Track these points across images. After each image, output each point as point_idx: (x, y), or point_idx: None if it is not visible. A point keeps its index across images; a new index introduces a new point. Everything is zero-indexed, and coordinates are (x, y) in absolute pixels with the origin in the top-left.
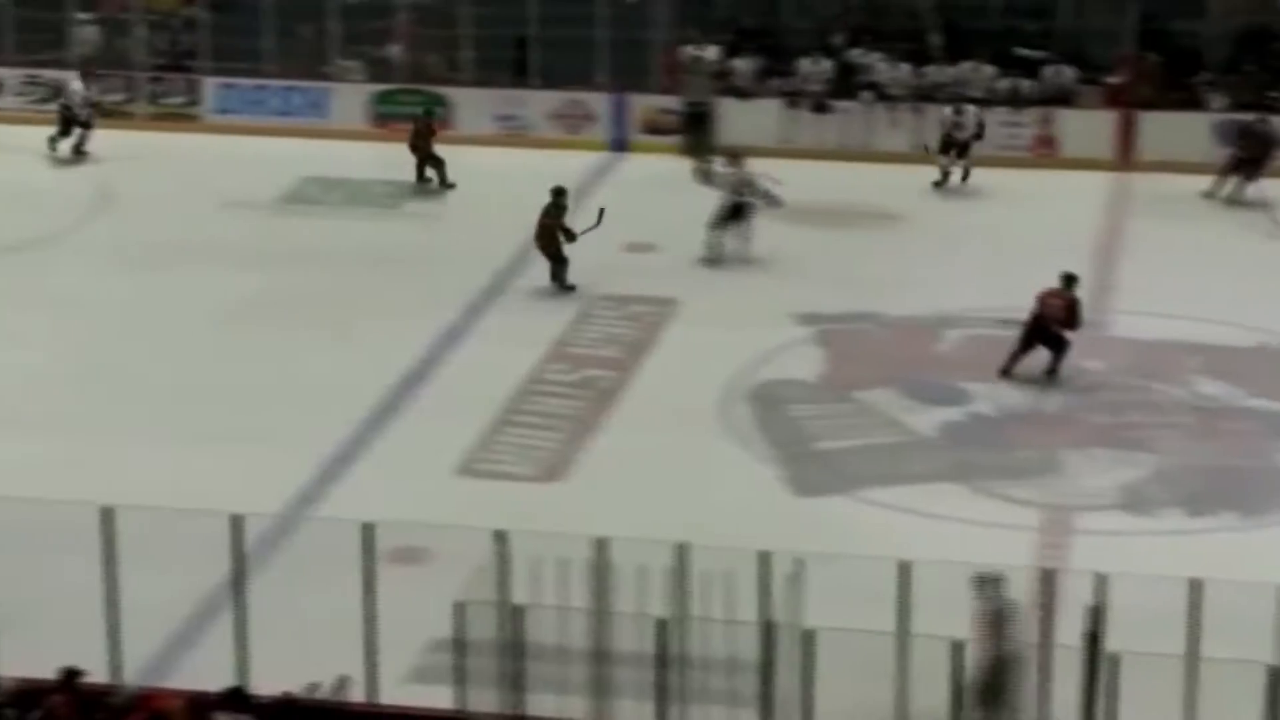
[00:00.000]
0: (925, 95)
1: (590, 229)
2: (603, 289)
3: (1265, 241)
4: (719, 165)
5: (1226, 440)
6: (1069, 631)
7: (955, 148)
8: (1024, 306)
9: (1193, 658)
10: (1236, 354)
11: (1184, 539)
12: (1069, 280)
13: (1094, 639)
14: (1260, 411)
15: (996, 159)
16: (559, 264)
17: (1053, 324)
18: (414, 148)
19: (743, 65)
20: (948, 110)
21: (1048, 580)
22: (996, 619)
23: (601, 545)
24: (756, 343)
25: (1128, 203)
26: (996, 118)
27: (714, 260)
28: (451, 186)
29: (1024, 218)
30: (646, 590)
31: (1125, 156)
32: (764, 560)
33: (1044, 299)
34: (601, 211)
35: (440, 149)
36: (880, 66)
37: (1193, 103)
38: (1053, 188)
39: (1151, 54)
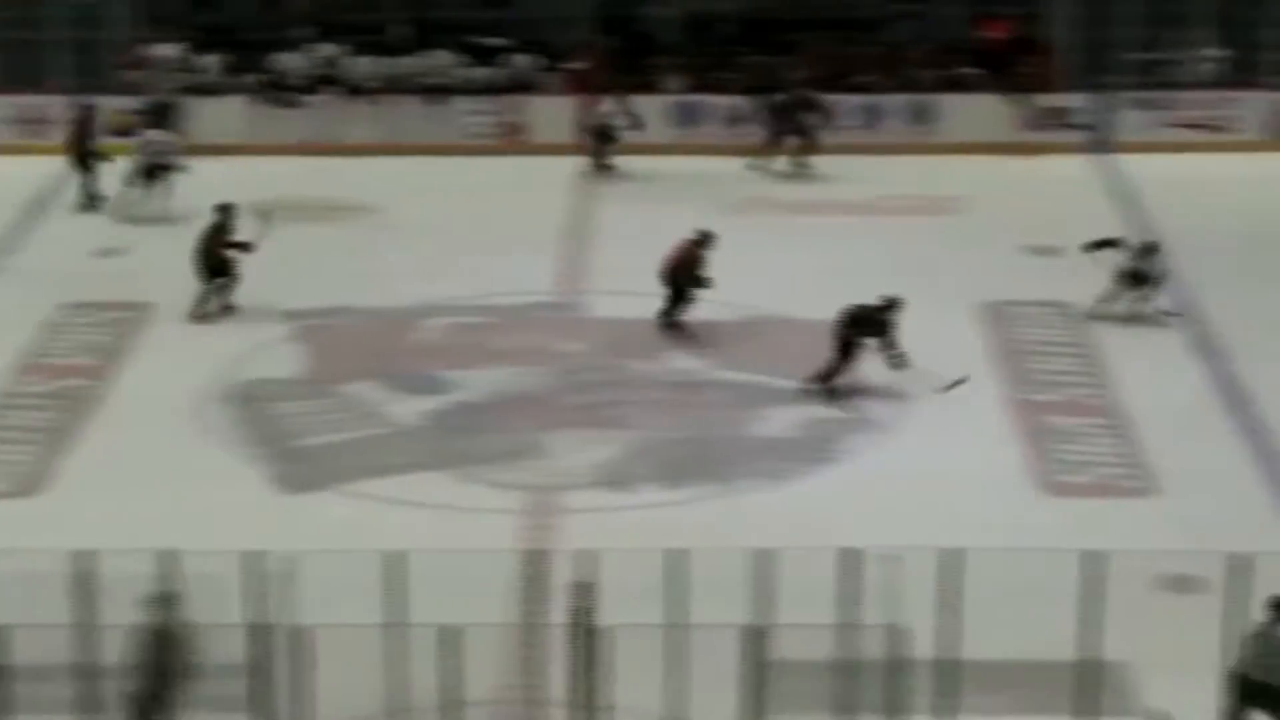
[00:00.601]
0: (392, 86)
1: (248, 242)
2: (74, 296)
3: (729, 216)
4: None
5: (700, 412)
6: (559, 610)
7: (608, 135)
8: (501, 293)
9: (678, 625)
10: (706, 328)
11: (664, 511)
12: (700, 235)
13: (582, 615)
14: (732, 383)
15: (466, 147)
16: (227, 281)
17: (679, 273)
18: (72, 147)
19: (209, 61)
20: (606, 102)
21: (534, 561)
22: (160, 635)
23: (83, 558)
24: (235, 342)
25: (595, 186)
26: (464, 106)
27: (128, 218)
28: (100, 200)
29: (496, 205)
30: (134, 600)
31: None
32: (253, 561)
33: (673, 248)
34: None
35: None
36: (348, 59)
37: (651, 85)
38: (523, 174)
39: (609, 39)
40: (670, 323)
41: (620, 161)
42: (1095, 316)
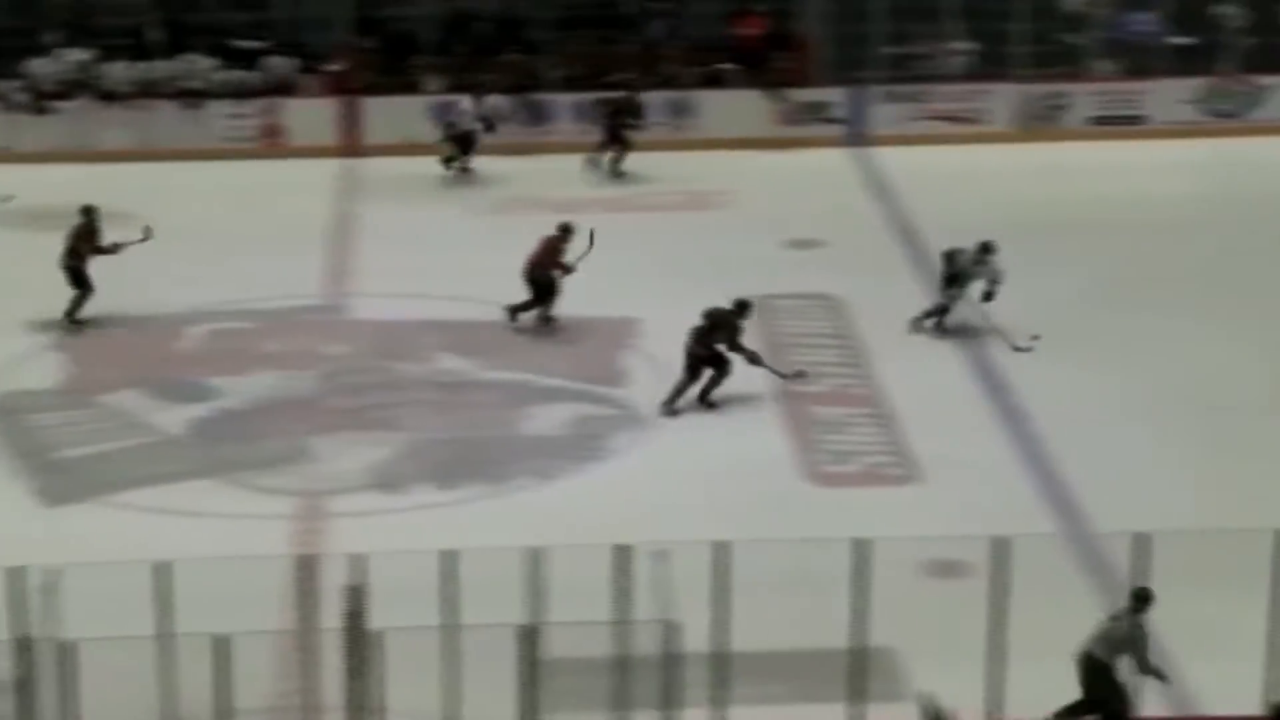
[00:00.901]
0: (148, 91)
1: (116, 244)
2: None
3: (491, 216)
4: None
5: (469, 412)
6: (331, 614)
7: (463, 137)
8: (264, 297)
9: (451, 626)
10: (473, 328)
11: (436, 512)
12: (561, 228)
13: (355, 619)
14: (499, 382)
15: (224, 151)
16: (82, 293)
17: (537, 268)
18: None
19: None
20: (463, 101)
21: (306, 566)
22: None
23: None
24: None
25: (357, 187)
26: (221, 110)
27: None
28: None
29: (257, 208)
30: None
31: (351, 142)
32: (16, 575)
33: (537, 243)
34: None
35: None
36: (101, 64)
37: (410, 86)
38: (284, 177)
39: (366, 40)
40: (538, 320)
41: (477, 164)
42: (945, 331)
